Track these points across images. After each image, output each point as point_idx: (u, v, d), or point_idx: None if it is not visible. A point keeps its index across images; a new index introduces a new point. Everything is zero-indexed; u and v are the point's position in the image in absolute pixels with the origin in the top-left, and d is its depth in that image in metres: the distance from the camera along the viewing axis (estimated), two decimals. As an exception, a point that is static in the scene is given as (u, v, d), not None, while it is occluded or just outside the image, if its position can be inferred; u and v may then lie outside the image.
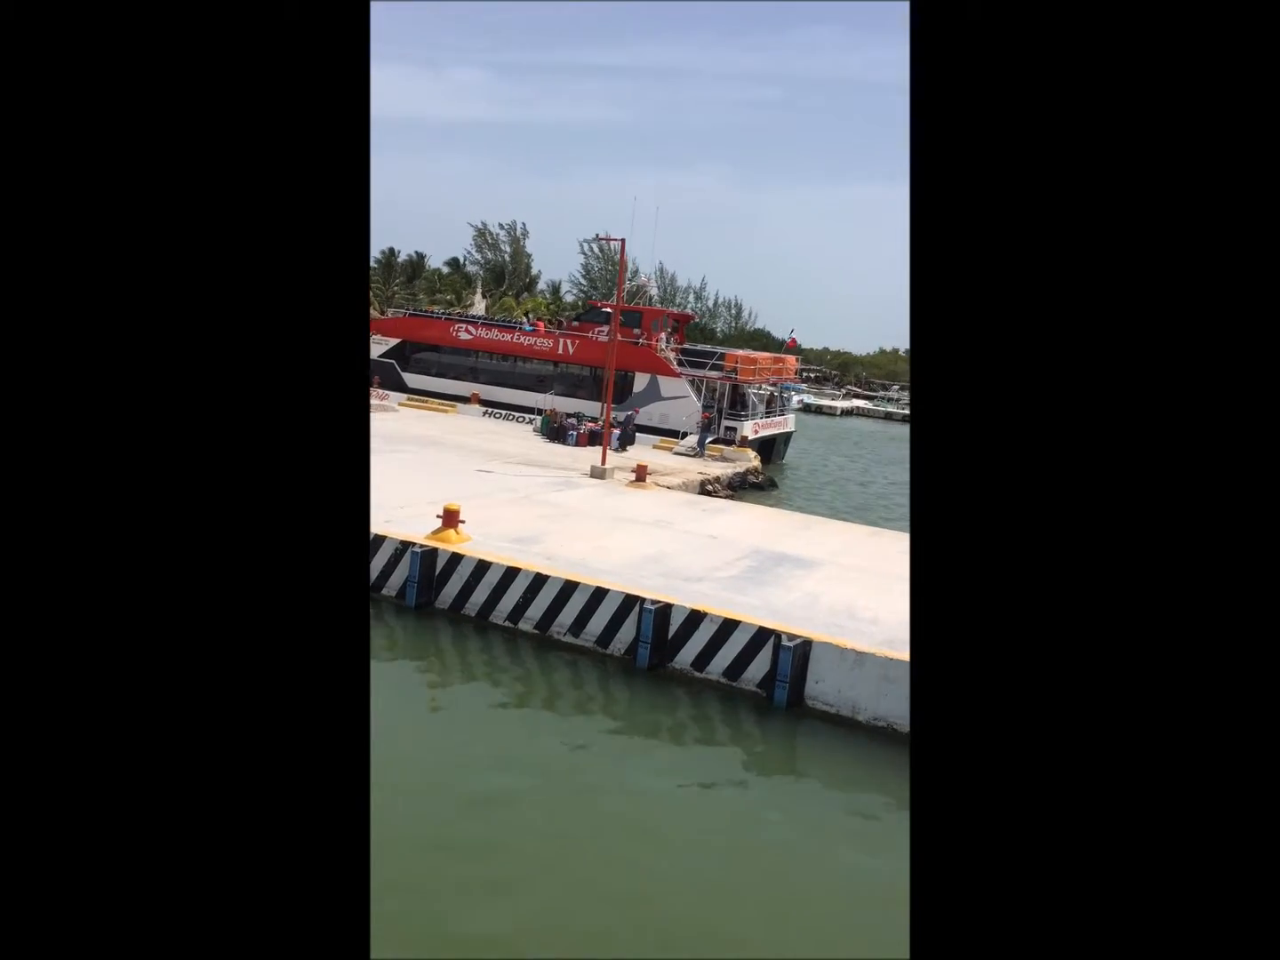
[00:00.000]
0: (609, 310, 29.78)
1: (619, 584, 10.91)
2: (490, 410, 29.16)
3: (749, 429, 27.64)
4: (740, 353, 29.38)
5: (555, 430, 25.80)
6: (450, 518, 11.98)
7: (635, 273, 33.69)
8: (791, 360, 31.84)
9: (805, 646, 9.81)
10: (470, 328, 30.91)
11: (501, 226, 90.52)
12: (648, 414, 27.98)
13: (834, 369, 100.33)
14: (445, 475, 17.15)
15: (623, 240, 17.88)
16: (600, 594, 10.74)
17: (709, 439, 26.32)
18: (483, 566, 11.30)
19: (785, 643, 9.72)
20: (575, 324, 31.21)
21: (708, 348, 31.02)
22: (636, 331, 29.42)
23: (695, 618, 10.33)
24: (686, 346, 29.85)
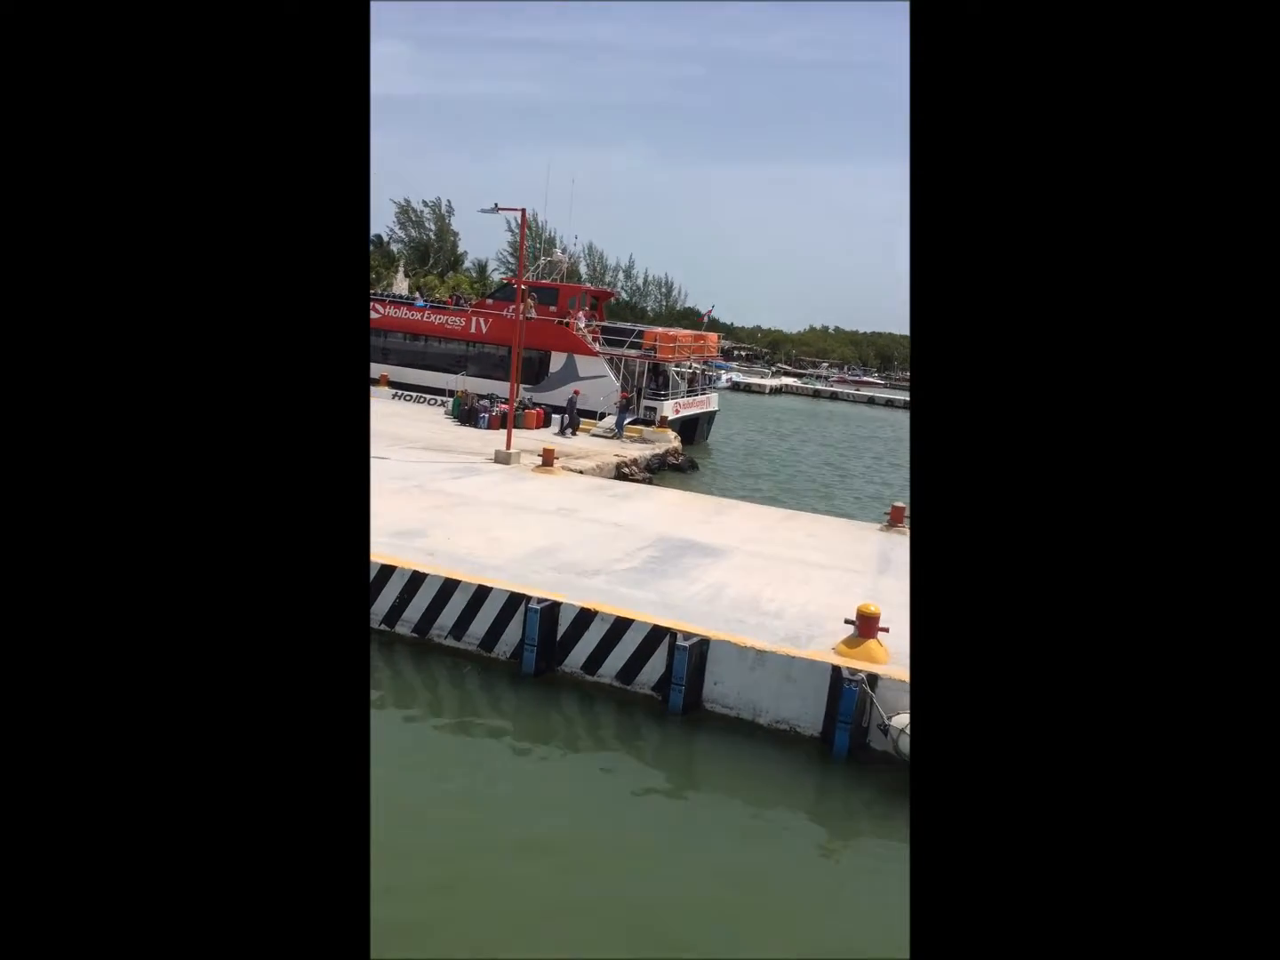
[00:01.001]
0: (527, 288, 28.66)
1: (504, 581, 10.00)
2: (400, 393, 27.82)
3: (669, 409, 26.85)
4: (659, 330, 28.57)
5: (467, 412, 24.66)
6: (321, 511, 10.89)
7: (552, 248, 32.47)
8: (713, 337, 31.09)
9: (702, 646, 9.05)
10: (378, 306, 29.44)
11: (426, 204, 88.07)
12: (565, 395, 26.99)
13: (765, 347, 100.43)
14: (335, 463, 15.97)
15: (522, 210, 16.81)
16: (483, 593, 9.83)
17: (627, 420, 25.45)
18: (355, 565, 10.27)
19: (680, 642, 8.94)
20: (489, 302, 29.96)
21: (627, 325, 30.06)
22: (553, 309, 28.37)
23: (585, 617, 9.49)
24: (605, 324, 28.86)
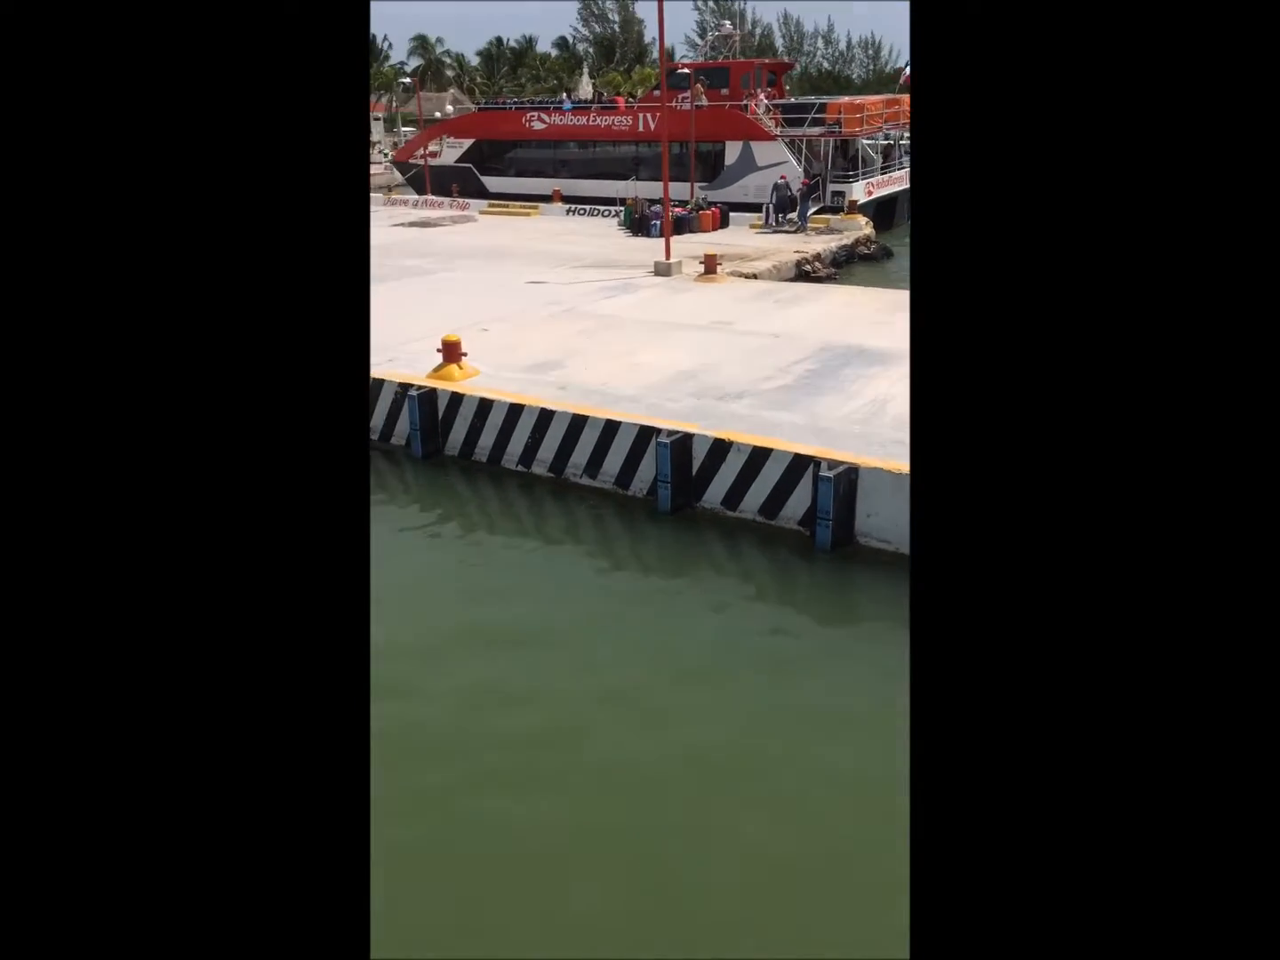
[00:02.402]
0: (691, 71, 26.13)
1: (635, 414, 9.20)
2: (574, 207, 26.74)
3: (860, 191, 24.08)
4: (844, 99, 25.29)
5: (638, 221, 23.29)
6: (450, 351, 10.45)
7: (721, 21, 29.08)
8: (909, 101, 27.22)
9: (851, 474, 7.92)
10: (544, 115, 28.02)
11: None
12: (743, 188, 24.84)
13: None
14: (490, 293, 15.48)
15: (659, -17, 14.67)
16: (612, 427, 9.11)
17: (812, 209, 23.09)
18: (485, 405, 9.83)
19: (824, 472, 7.86)
20: (657, 94, 27.65)
21: (809, 99, 26.85)
22: (724, 92, 25.74)
23: (720, 448, 8.57)
24: (782, 102, 25.89)
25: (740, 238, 22.27)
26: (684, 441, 8.66)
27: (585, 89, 47.24)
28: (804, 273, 19.78)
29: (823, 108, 24.35)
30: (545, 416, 9.48)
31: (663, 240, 22.01)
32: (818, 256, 20.36)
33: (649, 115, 25.96)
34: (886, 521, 7.89)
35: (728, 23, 28.60)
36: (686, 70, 25.94)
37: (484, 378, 10.41)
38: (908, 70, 34.25)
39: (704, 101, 25.15)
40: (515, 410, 9.65)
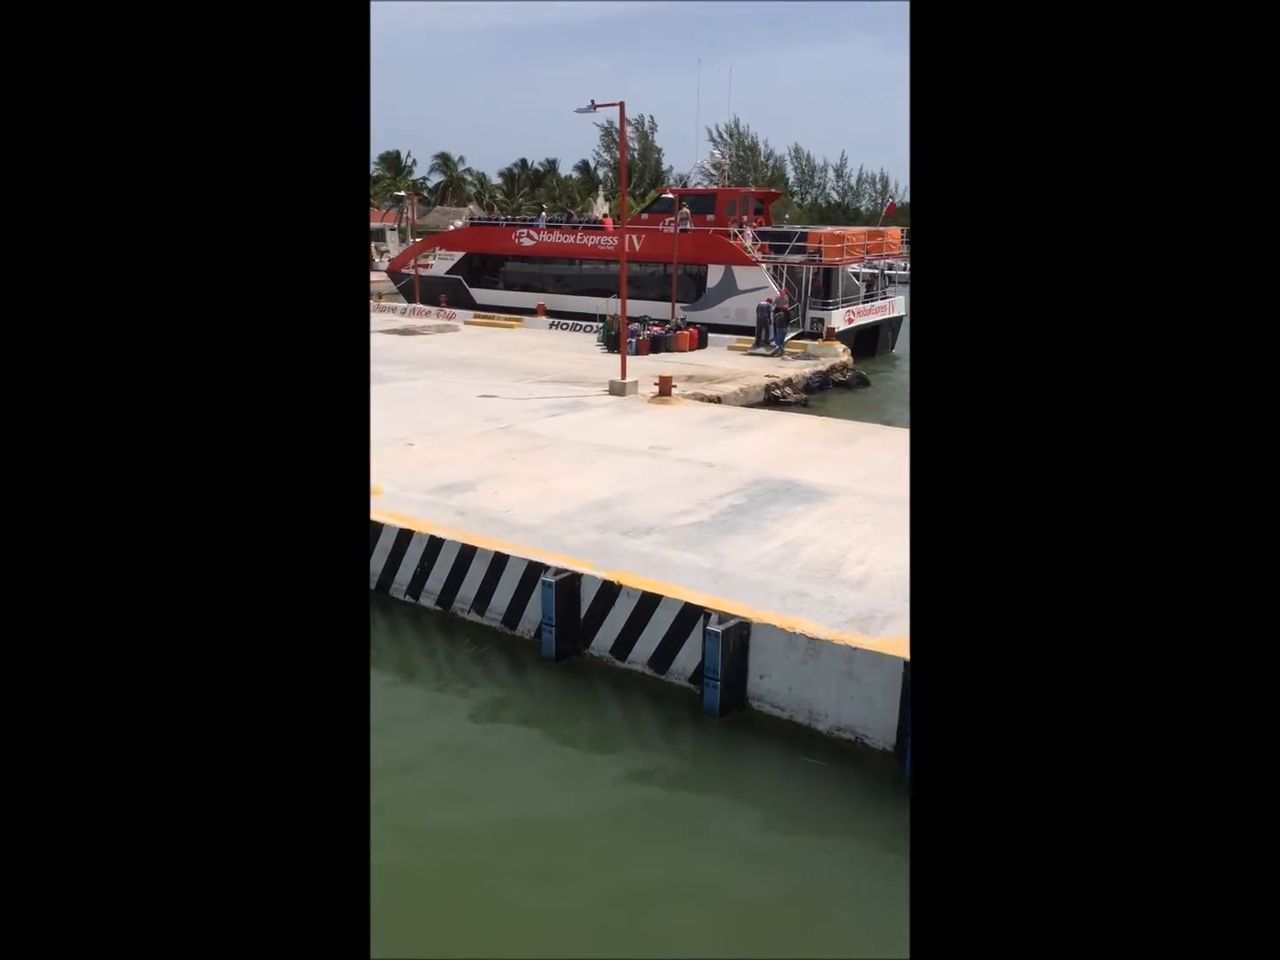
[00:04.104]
0: (676, 196, 26.49)
1: (529, 547, 8.48)
2: (557, 322, 26.73)
3: (839, 318, 23.94)
4: (826, 230, 25.45)
5: (614, 338, 23.10)
6: (351, 468, 9.82)
7: (716, 152, 29.77)
8: (894, 233, 27.40)
9: (742, 630, 7.12)
10: (533, 233, 28.36)
11: (629, 122, 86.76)
12: (724, 310, 24.79)
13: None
14: (437, 404, 15.01)
15: (621, 104, 14.72)
16: (501, 561, 8.37)
17: (790, 334, 22.91)
18: (375, 529, 9.14)
19: (712, 626, 7.06)
20: (644, 217, 28.01)
21: (791, 228, 27.11)
22: (710, 218, 26.01)
23: (609, 590, 7.80)
24: (765, 229, 26.09)
25: (716, 359, 22.00)
26: (571, 582, 7.91)
27: (601, 209, 48.60)
28: (773, 398, 19.35)
29: (804, 236, 24.47)
30: (434, 545, 8.76)
31: (638, 357, 21.85)
32: (789, 382, 19.97)
33: (635, 235, 26.18)
34: (779, 685, 7.04)
35: (716, 150, 29.09)
36: (671, 196, 26.25)
37: (385, 498, 9.75)
38: (892, 202, 34.81)
39: (689, 226, 25.37)
40: (405, 536, 8.95)
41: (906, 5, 2.23)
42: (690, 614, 7.36)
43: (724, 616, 7.13)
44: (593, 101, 14.89)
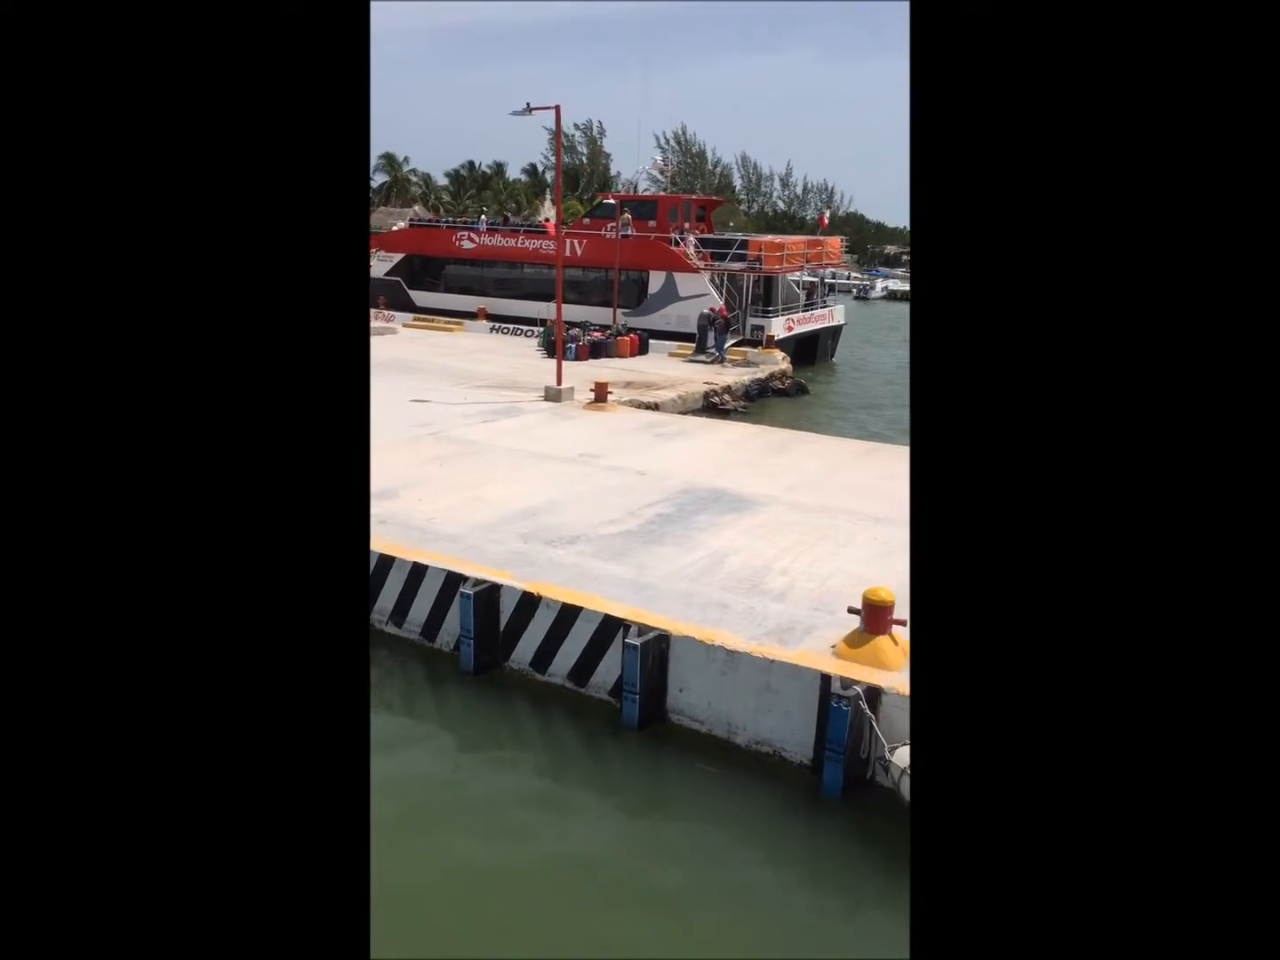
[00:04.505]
0: (617, 202, 26.42)
1: (449, 557, 8.29)
2: (498, 326, 26.47)
3: (779, 326, 24.09)
4: (766, 238, 25.60)
5: (554, 343, 22.92)
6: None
7: (653, 158, 29.75)
8: (834, 243, 27.64)
9: (661, 642, 7.02)
10: (473, 235, 28.06)
11: (577, 127, 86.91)
12: (665, 316, 24.78)
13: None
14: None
15: (557, 108, 14.59)
16: (419, 571, 8.16)
17: (730, 341, 22.97)
18: (291, 538, 8.84)
19: (631, 638, 6.95)
20: (586, 222, 27.90)
21: (732, 236, 27.22)
22: (652, 224, 26.00)
23: (529, 602, 7.65)
24: (707, 236, 26.15)
25: (657, 365, 21.97)
26: (490, 593, 7.74)
27: (549, 213, 48.36)
28: (712, 404, 19.37)
29: (744, 244, 24.59)
30: (352, 554, 8.51)
31: (577, 363, 21.71)
32: (728, 389, 20.02)
33: (577, 241, 26.05)
34: (698, 698, 6.95)
35: (658, 155, 29.10)
36: (613, 201, 26.18)
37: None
38: (825, 215, 35.26)
39: (631, 231, 25.32)
40: (322, 545, 8.68)
41: (905, 8, 2.23)
42: (610, 626, 7.24)
43: (644, 629, 7.03)
44: (528, 105, 14.72)
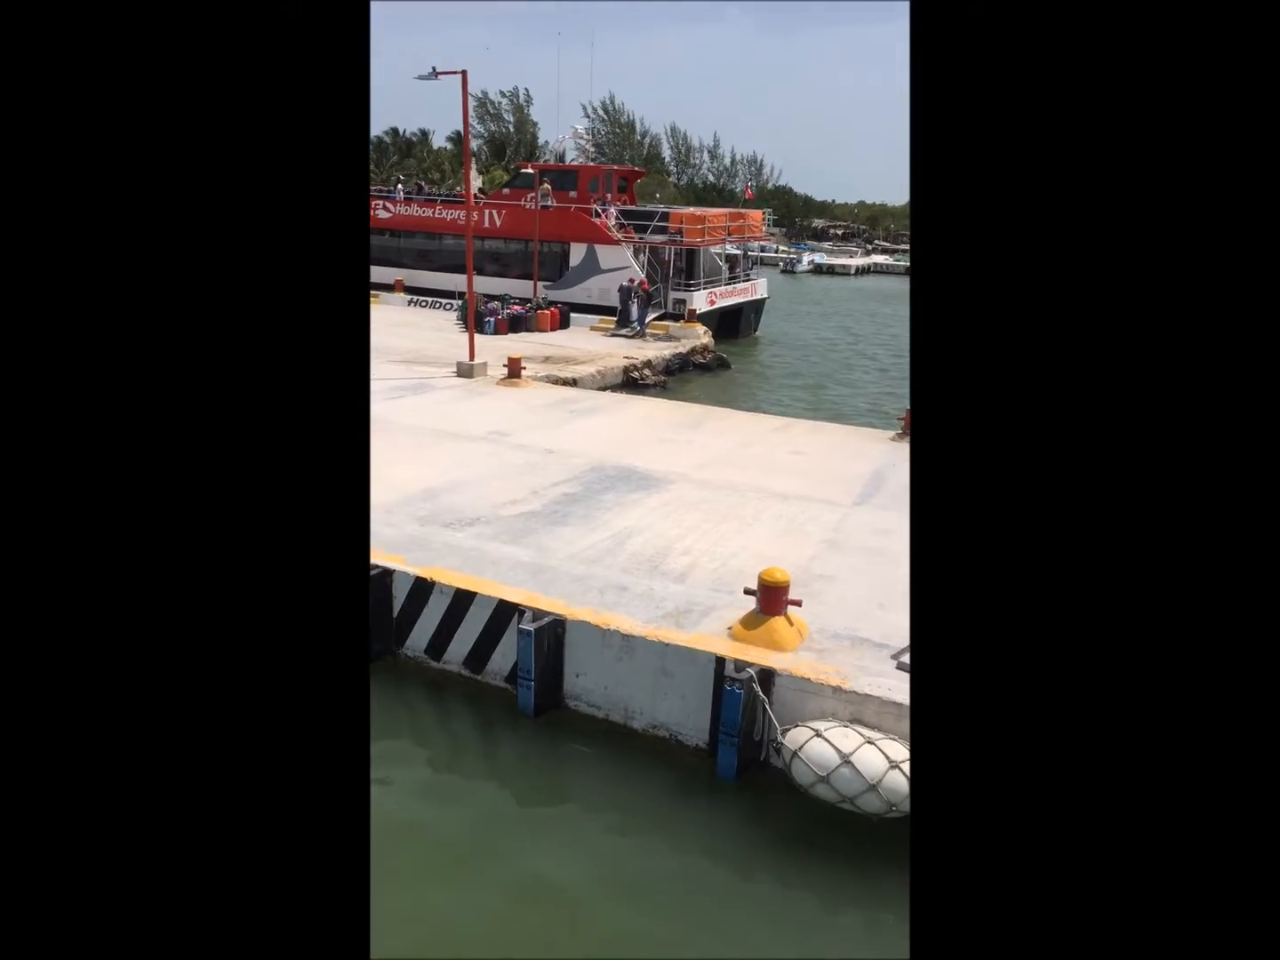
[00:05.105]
0: (536, 171, 25.90)
1: (340, 541, 7.96)
2: (416, 299, 25.80)
3: (701, 300, 23.98)
4: (687, 210, 25.41)
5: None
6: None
7: (576, 128, 29.22)
8: (756, 216, 27.57)
9: (556, 627, 6.85)
10: (389, 205, 27.25)
11: (504, 94, 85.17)
12: (586, 290, 24.45)
13: (864, 224, 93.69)
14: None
15: (463, 73, 14.12)
16: (309, 557, 7.83)
17: (652, 315, 22.78)
18: (174, 524, 8.42)
19: (525, 624, 6.77)
20: (506, 192, 27.31)
21: (654, 208, 26.95)
22: (573, 194, 25.57)
23: (422, 588, 7.40)
24: (629, 208, 25.84)
25: (577, 339, 21.68)
26: (383, 578, 7.47)
27: (475, 183, 47.30)
28: (632, 380, 19.18)
29: (665, 216, 24.35)
30: (238, 540, 8.14)
31: (496, 337, 21.29)
32: (648, 364, 19.84)
33: (495, 211, 25.49)
34: (595, 684, 6.82)
35: (579, 124, 28.59)
36: (531, 170, 25.66)
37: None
38: (750, 188, 35.27)
39: (551, 203, 24.86)
40: (206, 531, 8.29)
41: (906, 5, 2.23)
42: (505, 611, 7.04)
43: (538, 613, 6.85)
44: (434, 68, 14.21)
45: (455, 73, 14.16)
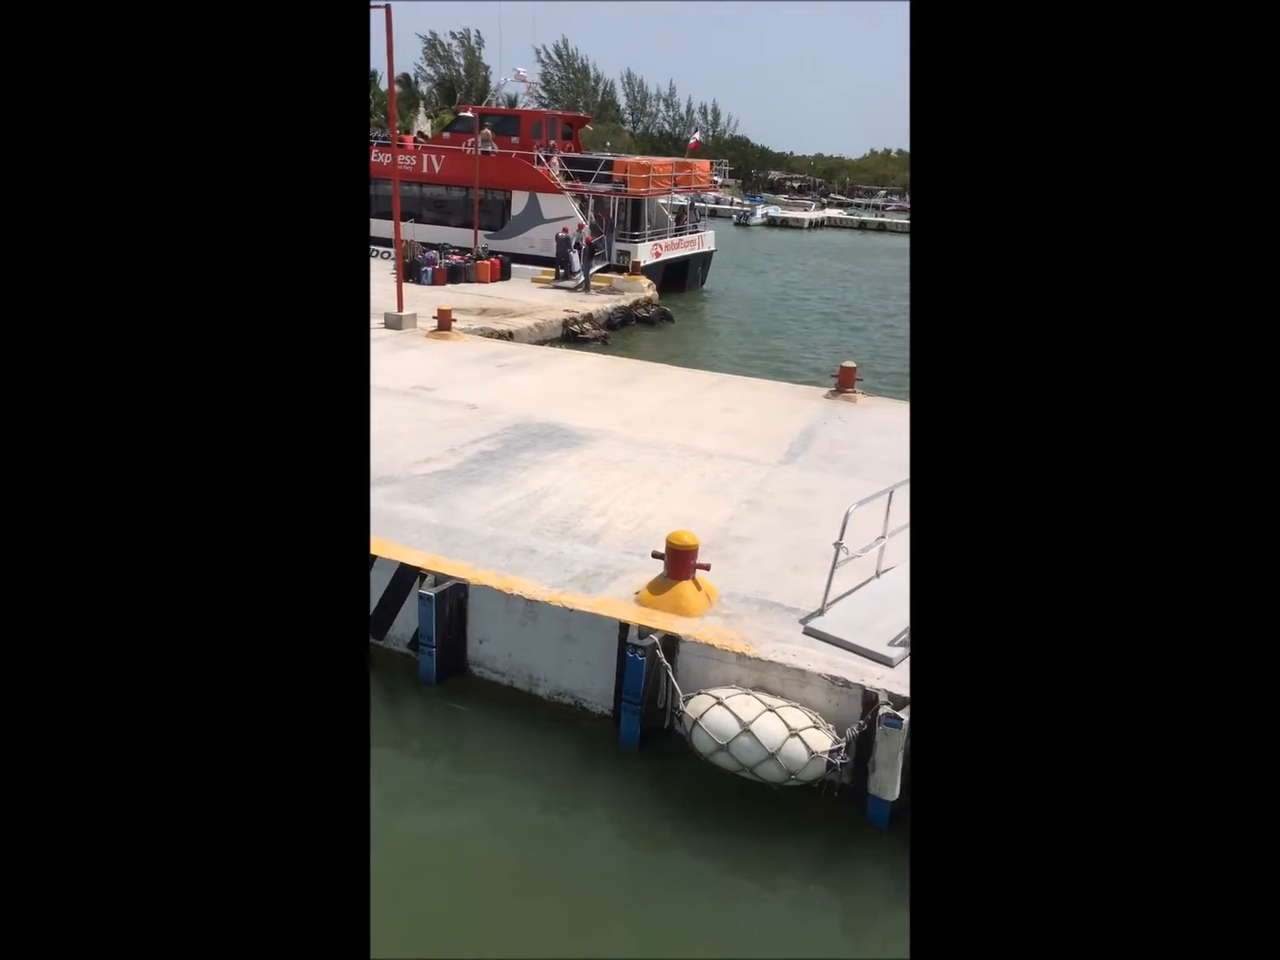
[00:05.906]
0: (476, 116, 25.06)
1: (238, 501, 7.61)
2: (353, 247, 24.94)
3: (646, 252, 23.50)
4: (631, 159, 24.79)
5: (409, 266, 21.75)
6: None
7: (525, 74, 28.26)
8: (704, 165, 27.03)
9: (459, 592, 6.61)
10: (325, 148, 26.20)
11: (455, 36, 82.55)
12: (528, 240, 23.84)
13: (819, 177, 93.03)
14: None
15: (387, 7, 13.43)
16: (205, 519, 7.47)
17: (596, 267, 22.29)
18: (63, 483, 7.99)
19: (425, 589, 6.52)
20: (446, 137, 26.41)
21: (599, 156, 26.27)
22: (515, 140, 24.79)
23: (322, 551, 7.09)
24: (573, 156, 25.15)
25: (517, 291, 21.16)
26: (280, 541, 7.14)
27: (424, 127, 45.82)
28: (571, 334, 18.79)
29: (610, 165, 23.74)
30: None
31: (434, 287, 20.69)
32: (589, 317, 19.44)
33: (434, 156, 24.65)
34: (499, 650, 6.61)
35: (523, 68, 27.68)
36: (471, 115, 24.82)
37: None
38: (696, 138, 34.59)
39: (493, 148, 24.09)
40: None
41: (906, 5, 2.21)
42: (406, 576, 6.78)
43: (440, 578, 6.60)
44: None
45: (379, 6, 13.45)
